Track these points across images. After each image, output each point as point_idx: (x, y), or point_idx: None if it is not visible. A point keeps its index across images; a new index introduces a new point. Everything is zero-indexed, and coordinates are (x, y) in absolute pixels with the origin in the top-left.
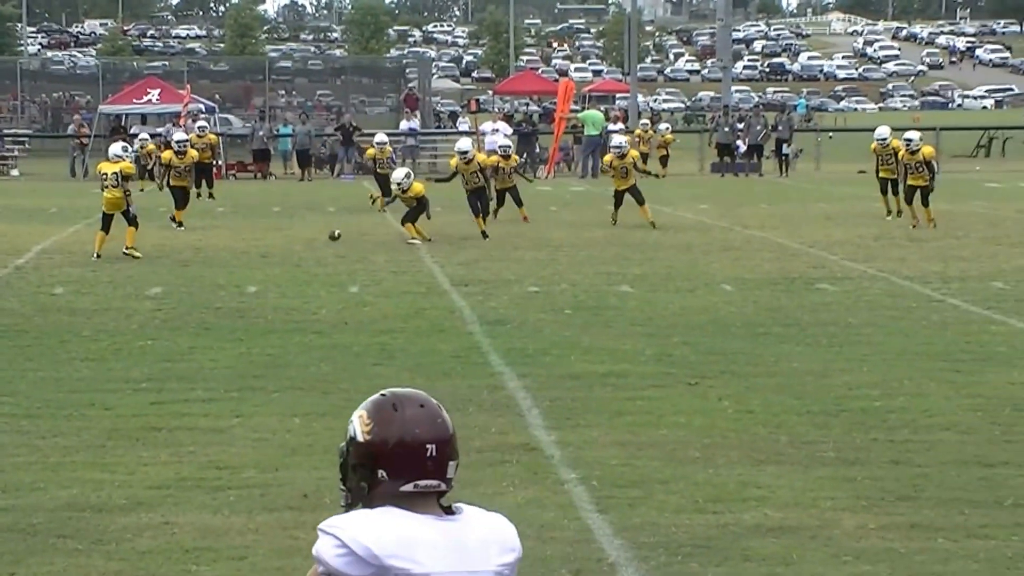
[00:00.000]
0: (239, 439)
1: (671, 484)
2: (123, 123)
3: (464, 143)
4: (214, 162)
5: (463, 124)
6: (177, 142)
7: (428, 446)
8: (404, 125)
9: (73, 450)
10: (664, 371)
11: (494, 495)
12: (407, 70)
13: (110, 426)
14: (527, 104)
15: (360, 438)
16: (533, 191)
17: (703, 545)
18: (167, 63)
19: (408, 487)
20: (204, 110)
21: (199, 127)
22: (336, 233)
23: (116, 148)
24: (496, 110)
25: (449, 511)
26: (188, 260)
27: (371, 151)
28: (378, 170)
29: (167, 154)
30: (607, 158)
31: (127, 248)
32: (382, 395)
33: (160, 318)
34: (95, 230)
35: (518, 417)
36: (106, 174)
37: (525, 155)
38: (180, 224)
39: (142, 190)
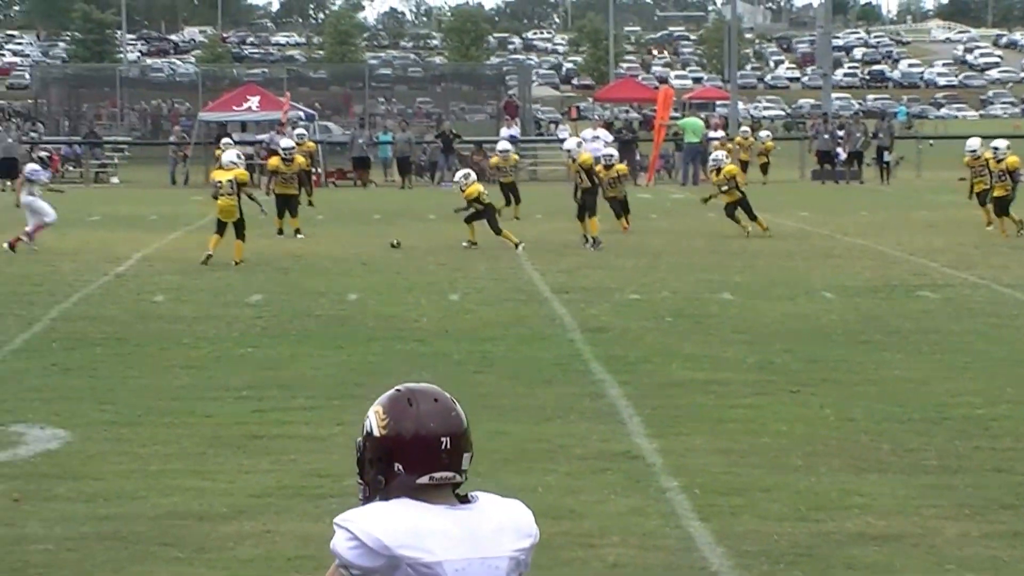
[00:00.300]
0: (340, 447)
1: (773, 492)
2: (225, 129)
3: (571, 142)
4: (313, 170)
5: (563, 131)
6: (284, 149)
7: (443, 439)
8: (504, 132)
9: (174, 458)
10: (765, 379)
11: (595, 503)
12: (507, 77)
13: (211, 434)
14: (627, 111)
15: (376, 433)
16: (633, 198)
17: (805, 553)
18: (266, 70)
19: (424, 479)
20: (303, 118)
21: (298, 134)
22: (396, 242)
23: (231, 155)
24: (596, 117)
25: (465, 500)
26: (288, 268)
27: (495, 159)
28: (502, 179)
29: (273, 161)
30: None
31: (237, 261)
32: (397, 390)
33: (260, 326)
34: (208, 235)
35: (619, 425)
36: (220, 182)
37: (625, 162)
38: (281, 231)
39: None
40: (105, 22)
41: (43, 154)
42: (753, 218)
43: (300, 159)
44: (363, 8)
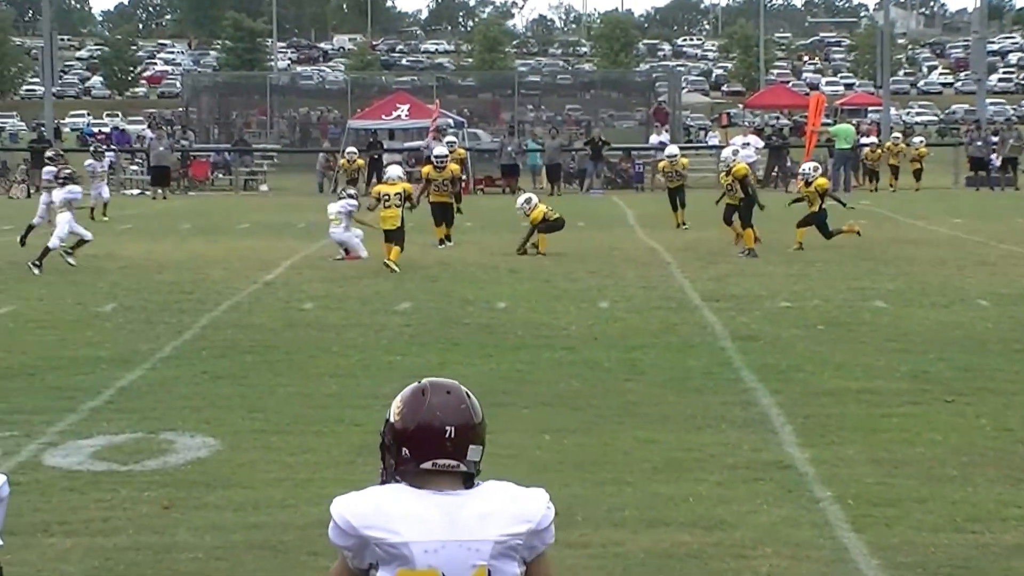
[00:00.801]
0: (489, 456)
1: (928, 503)
2: (376, 136)
3: (727, 151)
4: (462, 177)
5: (713, 138)
6: (436, 157)
7: (448, 428)
8: (654, 139)
9: (323, 466)
10: (919, 388)
11: (747, 513)
12: (656, 84)
13: (360, 442)
14: (777, 118)
15: (392, 420)
16: (782, 205)
17: (962, 566)
18: (416, 78)
19: (427, 465)
20: (453, 125)
21: (448, 142)
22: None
23: (396, 171)
24: (746, 124)
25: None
26: (436, 275)
27: (663, 164)
28: (669, 184)
29: (426, 169)
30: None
31: (388, 261)
32: (418, 383)
33: (409, 334)
34: (382, 244)
35: (771, 434)
36: (388, 195)
37: (776, 169)
38: (444, 240)
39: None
40: (256, 31)
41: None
42: (745, 227)
43: (453, 166)
44: (512, 16)
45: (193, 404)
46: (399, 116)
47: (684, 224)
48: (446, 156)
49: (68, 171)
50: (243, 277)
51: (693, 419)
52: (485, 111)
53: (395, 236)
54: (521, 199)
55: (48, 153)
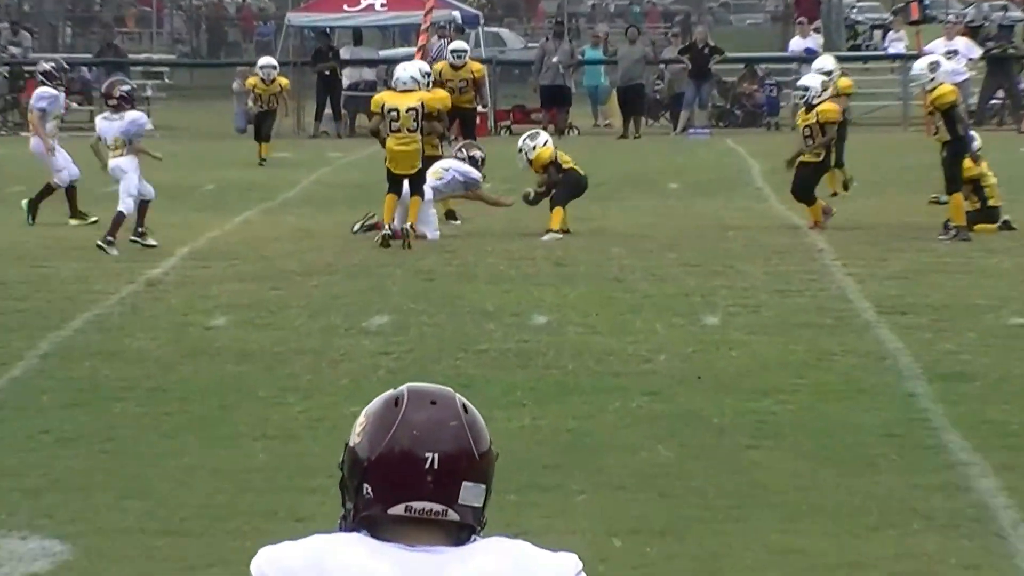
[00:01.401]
0: None
1: None
2: (330, 40)
3: (919, 65)
4: (477, 106)
5: (895, 42)
6: (454, 51)
7: (428, 455)
8: (796, 45)
9: None
10: None
11: None
12: None
13: None
14: (1004, 7)
15: (351, 441)
16: (1011, 153)
17: None
18: None
19: (397, 509)
20: (461, 22)
21: (454, 51)
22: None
23: (411, 70)
24: (950, 19)
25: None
26: (432, 270)
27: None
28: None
29: (439, 65)
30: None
31: (410, 237)
32: (394, 390)
33: (387, 367)
34: (385, 195)
35: (997, 540)
36: (396, 110)
37: (1001, 93)
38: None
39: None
40: None
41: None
42: (953, 189)
43: (475, 65)
44: None
45: (26, 485)
46: (371, 6)
47: (846, 187)
48: (465, 51)
49: (125, 88)
50: (112, 274)
51: (865, 514)
52: (512, 1)
53: (412, 184)
54: (524, 137)
55: (44, 66)
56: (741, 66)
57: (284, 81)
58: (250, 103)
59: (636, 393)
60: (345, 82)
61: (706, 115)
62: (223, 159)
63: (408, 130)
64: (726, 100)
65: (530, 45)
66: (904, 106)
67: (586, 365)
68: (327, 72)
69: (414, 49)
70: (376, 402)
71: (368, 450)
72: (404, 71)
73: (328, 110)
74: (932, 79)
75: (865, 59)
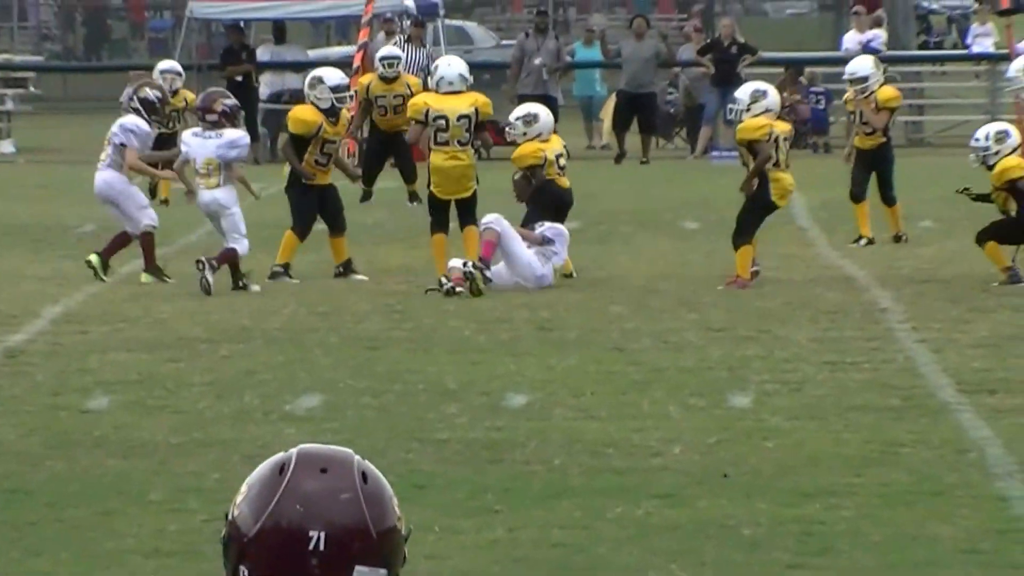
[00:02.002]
0: None
1: None
2: (245, 37)
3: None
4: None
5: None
6: (384, 58)
7: (313, 534)
8: (852, 41)
9: None
10: None
11: None
12: None
13: None
14: None
15: (231, 513)
16: None
17: None
18: None
19: None
20: (412, 12)
21: (385, 60)
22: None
23: (458, 67)
24: None
25: None
26: (380, 332)
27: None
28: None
29: (365, 78)
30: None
31: (472, 266)
32: (283, 452)
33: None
34: (431, 237)
35: None
36: (444, 118)
37: None
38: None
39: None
40: None
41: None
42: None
43: (411, 79)
44: None
45: None
46: None
47: (897, 239)
48: (398, 58)
49: (229, 102)
50: None
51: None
52: None
53: (464, 211)
54: (518, 112)
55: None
56: (780, 69)
57: (190, 96)
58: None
59: (643, 496)
60: (264, 91)
61: (730, 132)
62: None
63: (459, 143)
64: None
65: (505, 43)
66: (993, 120)
67: (578, 460)
68: (239, 78)
69: (353, 48)
70: (261, 468)
71: (246, 525)
72: (449, 68)
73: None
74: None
75: (942, 59)
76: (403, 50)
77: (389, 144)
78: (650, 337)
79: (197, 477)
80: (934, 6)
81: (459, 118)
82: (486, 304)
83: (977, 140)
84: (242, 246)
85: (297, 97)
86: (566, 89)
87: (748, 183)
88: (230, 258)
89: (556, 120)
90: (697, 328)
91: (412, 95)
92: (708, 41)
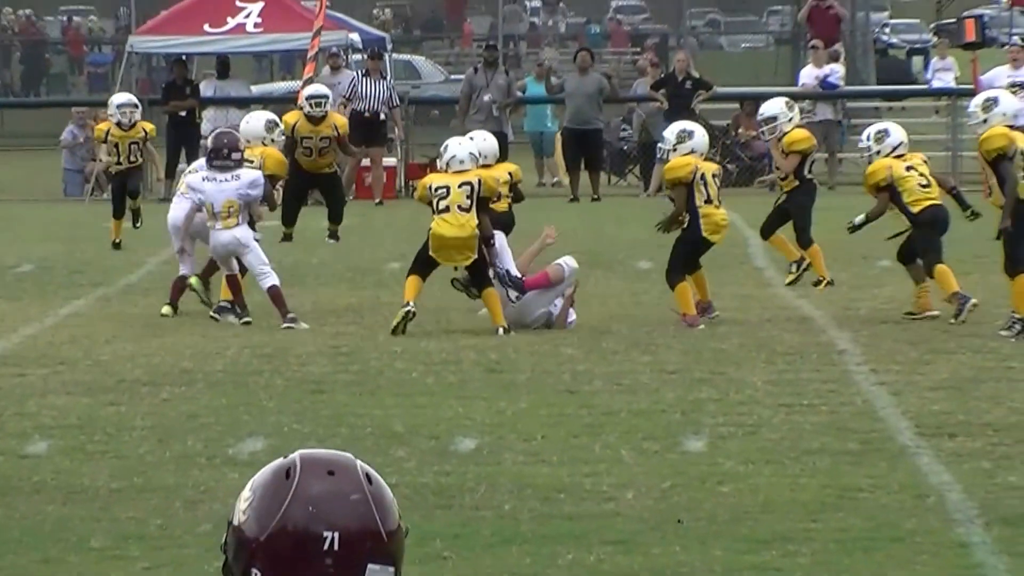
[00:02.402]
0: None
1: None
2: (187, 71)
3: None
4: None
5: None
6: (311, 97)
7: (327, 535)
8: (808, 76)
9: None
10: None
11: None
12: None
13: None
14: None
15: (235, 519)
16: None
17: None
18: None
19: None
20: (356, 45)
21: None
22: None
23: (468, 148)
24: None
25: None
26: (324, 374)
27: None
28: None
29: (290, 116)
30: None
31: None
32: (284, 458)
33: None
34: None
35: None
36: (446, 188)
37: None
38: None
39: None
40: None
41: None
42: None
43: (337, 118)
44: None
45: None
46: (240, 27)
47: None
48: (326, 97)
49: (234, 142)
50: None
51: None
52: (432, 15)
53: (475, 277)
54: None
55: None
56: (735, 105)
57: (149, 126)
58: (103, 157)
59: (595, 542)
60: (206, 127)
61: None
62: (44, 230)
63: (463, 209)
64: (716, 150)
65: (454, 78)
66: (953, 158)
67: (529, 505)
68: (182, 113)
69: (298, 84)
70: (264, 473)
71: (256, 529)
72: (460, 147)
73: (183, 164)
74: (984, 120)
75: (901, 95)
76: (361, 84)
77: (312, 183)
78: (602, 379)
79: (139, 523)
80: (893, 40)
81: (462, 186)
82: (433, 345)
83: (861, 142)
84: (274, 277)
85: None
86: (517, 124)
87: (668, 222)
88: (277, 295)
89: (506, 157)
90: (651, 370)
91: (339, 136)
92: (662, 75)
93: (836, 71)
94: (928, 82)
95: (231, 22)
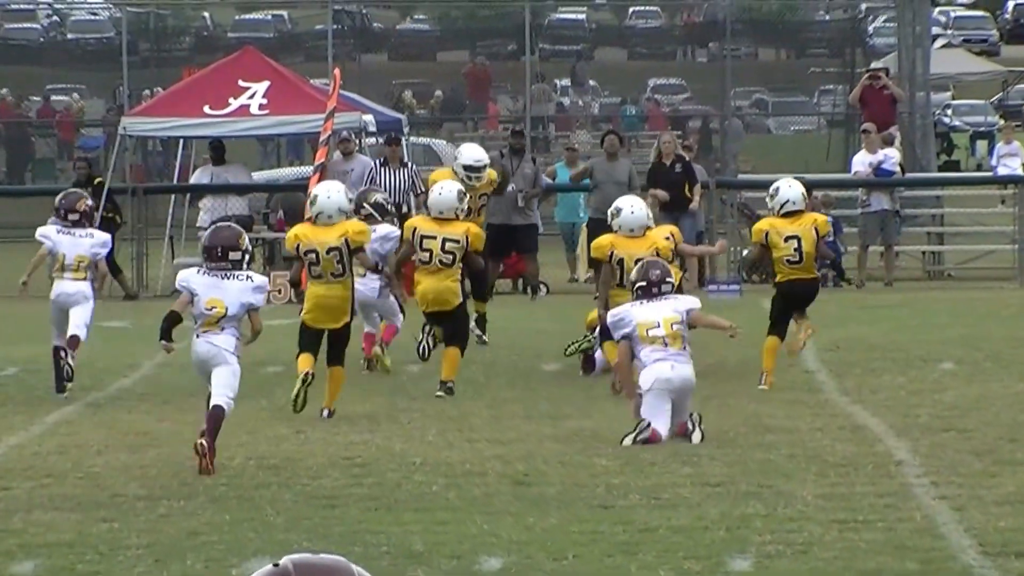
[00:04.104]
0: None
1: None
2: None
3: None
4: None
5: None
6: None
7: None
8: (862, 162)
9: None
10: None
11: None
12: (864, 25)
13: None
14: None
15: None
16: None
17: None
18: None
19: None
20: (372, 128)
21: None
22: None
23: (334, 195)
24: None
25: None
26: (331, 482)
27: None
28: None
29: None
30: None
31: (330, 411)
32: (274, 565)
33: None
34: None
35: None
36: (316, 250)
37: None
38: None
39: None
40: None
41: None
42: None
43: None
44: None
45: None
46: (244, 109)
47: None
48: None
49: (90, 201)
50: None
51: None
52: (455, 96)
53: (335, 344)
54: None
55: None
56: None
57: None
58: None
59: None
60: (204, 218)
61: (732, 264)
62: (30, 329)
63: (333, 274)
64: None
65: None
66: (1020, 252)
67: None
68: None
69: (309, 170)
70: None
71: None
72: (328, 196)
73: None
74: None
75: (964, 182)
76: (380, 174)
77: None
78: (639, 493)
79: None
80: (955, 123)
81: (333, 250)
82: (456, 456)
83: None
84: (85, 333)
85: (244, 223)
86: (548, 215)
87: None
88: (75, 345)
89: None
90: (692, 483)
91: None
92: (651, 164)
93: (891, 157)
94: (993, 169)
95: (233, 103)
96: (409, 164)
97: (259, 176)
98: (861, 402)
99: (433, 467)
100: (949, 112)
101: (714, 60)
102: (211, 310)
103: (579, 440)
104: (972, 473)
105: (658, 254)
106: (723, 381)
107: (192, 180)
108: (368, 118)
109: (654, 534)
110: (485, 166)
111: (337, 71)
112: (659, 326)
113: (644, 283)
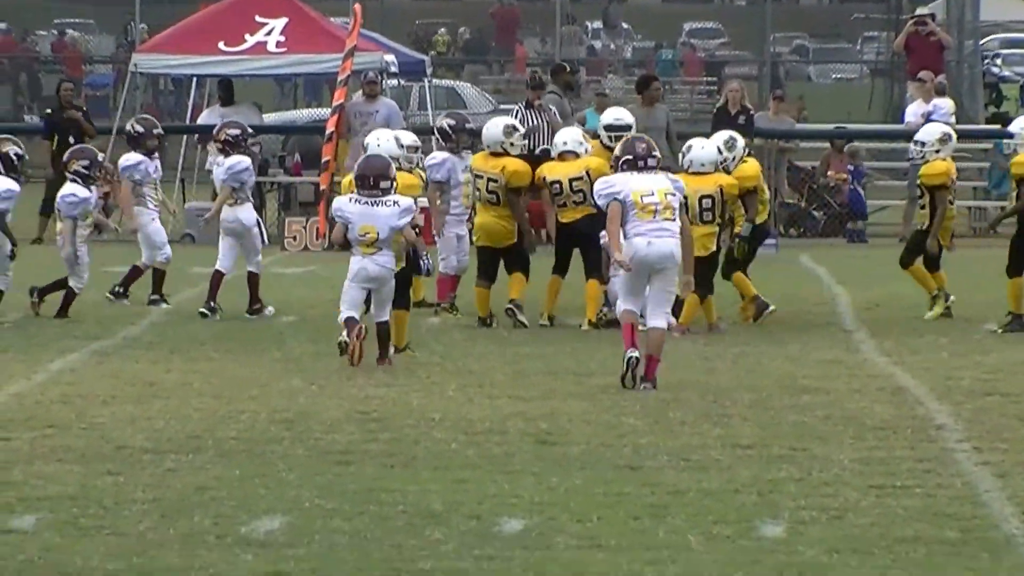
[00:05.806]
0: None
1: None
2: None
3: None
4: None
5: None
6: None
7: None
8: (913, 113)
9: None
10: None
11: None
12: None
13: None
14: None
15: None
16: None
17: None
18: None
19: None
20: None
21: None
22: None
23: (574, 133)
24: None
25: None
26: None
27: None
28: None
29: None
30: None
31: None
32: None
33: None
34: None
35: None
36: (559, 183)
37: None
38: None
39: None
40: None
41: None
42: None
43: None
44: None
45: None
46: (261, 46)
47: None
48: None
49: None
50: None
51: None
52: (479, 38)
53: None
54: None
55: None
56: (824, 144)
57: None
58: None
59: None
60: (212, 160)
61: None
62: (33, 273)
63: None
64: (801, 195)
65: (504, 107)
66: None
67: None
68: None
69: (327, 112)
70: None
71: None
72: (570, 133)
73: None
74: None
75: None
76: (524, 117)
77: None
78: (668, 454)
79: None
80: (1005, 72)
81: (573, 180)
82: (476, 412)
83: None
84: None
85: (259, 168)
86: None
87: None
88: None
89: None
90: (723, 445)
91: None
92: (716, 109)
93: (942, 107)
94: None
95: (250, 40)
96: (550, 108)
97: (274, 118)
98: (901, 363)
99: (452, 424)
100: (999, 61)
101: (753, 3)
102: (364, 235)
103: (605, 398)
104: (1016, 439)
105: (722, 193)
106: (757, 340)
107: (199, 122)
108: (390, 58)
109: (683, 497)
110: (629, 126)
111: (358, 8)
112: (654, 194)
113: (631, 156)
